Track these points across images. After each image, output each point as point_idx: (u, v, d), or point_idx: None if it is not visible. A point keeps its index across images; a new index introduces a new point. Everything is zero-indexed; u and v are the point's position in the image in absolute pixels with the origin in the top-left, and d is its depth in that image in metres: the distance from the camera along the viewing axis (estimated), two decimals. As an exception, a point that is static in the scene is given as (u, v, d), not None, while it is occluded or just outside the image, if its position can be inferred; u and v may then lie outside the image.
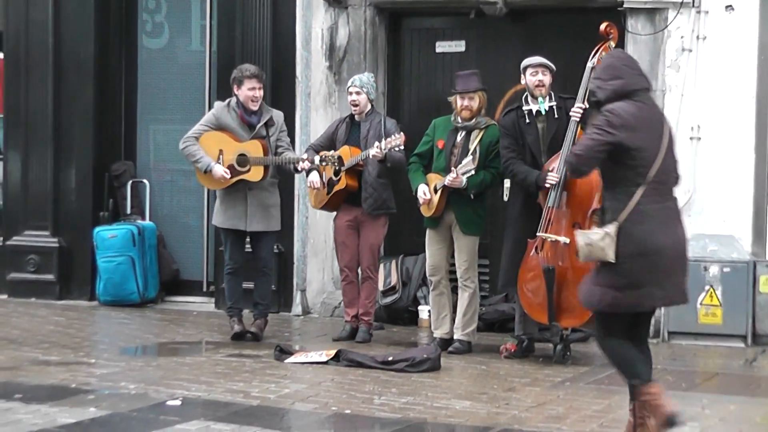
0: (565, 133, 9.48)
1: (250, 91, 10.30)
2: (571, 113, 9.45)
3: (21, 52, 13.07)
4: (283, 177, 10.90)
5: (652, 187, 6.49)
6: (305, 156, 10.38)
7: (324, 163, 10.19)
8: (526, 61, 9.78)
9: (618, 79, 6.64)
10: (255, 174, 10.26)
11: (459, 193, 9.86)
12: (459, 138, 9.99)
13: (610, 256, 6.45)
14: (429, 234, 10.18)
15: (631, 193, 6.47)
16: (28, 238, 13.11)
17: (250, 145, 10.27)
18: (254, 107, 10.34)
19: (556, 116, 9.66)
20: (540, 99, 9.65)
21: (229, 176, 10.23)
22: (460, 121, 10.00)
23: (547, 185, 9.41)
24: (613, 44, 9.62)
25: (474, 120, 9.97)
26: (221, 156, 10.29)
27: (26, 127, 13.07)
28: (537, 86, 9.66)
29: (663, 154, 6.55)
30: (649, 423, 6.53)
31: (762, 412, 7.95)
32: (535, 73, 9.69)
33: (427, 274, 10.31)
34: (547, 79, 9.69)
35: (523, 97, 9.81)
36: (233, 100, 10.43)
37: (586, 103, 9.35)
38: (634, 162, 6.48)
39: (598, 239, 6.47)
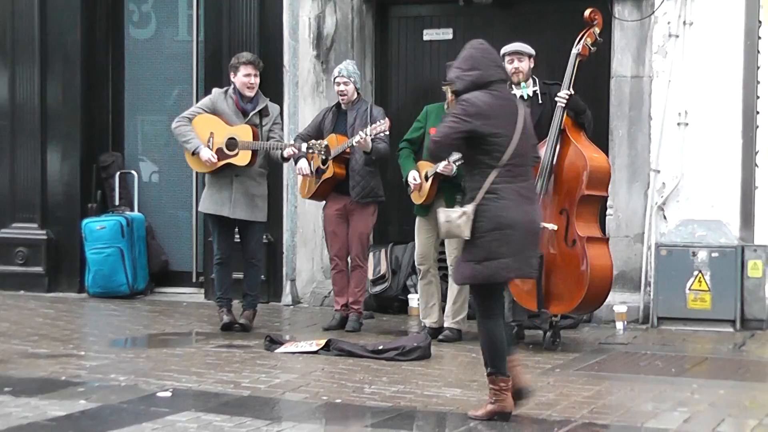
0: (549, 119, 9.50)
1: (245, 77, 10.31)
2: (556, 98, 9.48)
3: (7, 43, 13.04)
4: (271, 168, 10.88)
5: (506, 170, 7.00)
6: (289, 143, 10.37)
7: (311, 151, 10.19)
8: (503, 50, 9.74)
9: (475, 70, 7.10)
10: (242, 158, 10.24)
11: (450, 181, 9.86)
12: None
13: (466, 234, 6.98)
14: (419, 222, 10.19)
15: (486, 174, 6.99)
16: (17, 230, 13.11)
17: (239, 129, 10.27)
18: (250, 93, 10.35)
19: (540, 102, 9.68)
20: (522, 85, 9.67)
21: (215, 160, 10.22)
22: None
23: None
24: (597, 30, 9.63)
25: None
26: (211, 139, 10.30)
27: (13, 118, 13.05)
28: (514, 73, 9.66)
29: (517, 140, 7.03)
30: (506, 396, 7.05)
31: (751, 396, 7.95)
32: (511, 61, 9.70)
33: (416, 263, 10.32)
34: (524, 65, 9.70)
35: (507, 84, 9.77)
36: (231, 87, 10.45)
37: (572, 89, 9.40)
38: (489, 147, 6.99)
39: (455, 217, 7.00)
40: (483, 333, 7.17)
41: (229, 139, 10.23)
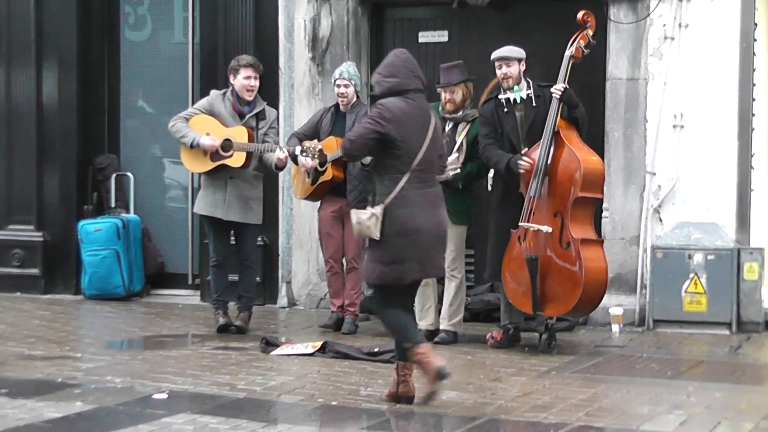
0: (543, 122, 9.51)
1: (245, 80, 10.31)
2: (552, 90, 9.49)
3: (3, 45, 13.04)
4: (267, 171, 10.82)
5: (414, 175, 7.38)
6: (286, 147, 10.30)
7: (305, 155, 10.13)
8: (492, 56, 9.80)
9: (394, 77, 7.48)
10: (237, 160, 10.23)
11: (446, 184, 9.69)
12: (447, 129, 9.99)
13: (376, 234, 7.35)
14: None
15: (396, 179, 7.37)
16: (13, 232, 13.11)
17: (235, 131, 10.26)
18: (249, 97, 10.35)
19: (534, 104, 9.67)
20: (516, 88, 9.67)
21: (218, 143, 10.21)
22: (446, 113, 10.03)
23: (521, 170, 9.43)
24: (590, 32, 9.63)
25: (461, 112, 10.01)
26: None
27: (9, 121, 13.04)
28: (503, 79, 9.70)
29: (426, 147, 7.42)
30: (409, 381, 7.45)
31: (747, 399, 7.95)
32: (500, 66, 9.73)
33: None
34: (512, 70, 9.69)
35: (501, 87, 9.82)
36: (229, 90, 10.45)
37: (566, 84, 9.44)
38: (399, 152, 7.37)
39: (366, 218, 7.38)
40: (386, 320, 7.68)
41: (224, 140, 10.22)
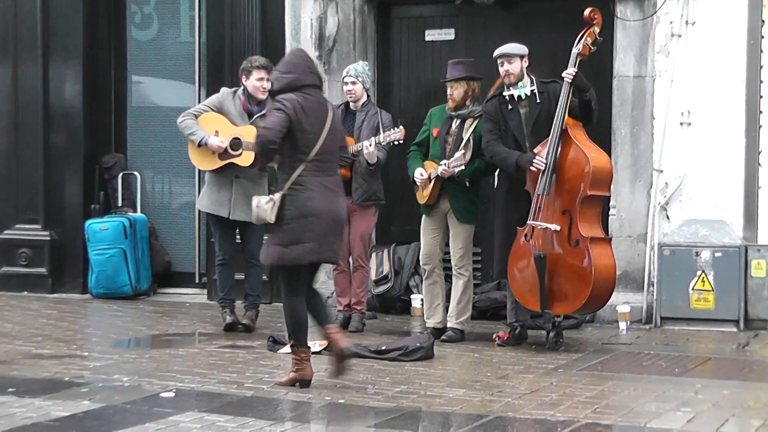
0: (549, 118, 9.48)
1: (258, 81, 10.31)
2: (564, 74, 9.44)
3: (9, 44, 13.04)
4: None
5: (313, 164, 7.85)
6: None
7: None
8: (494, 53, 9.76)
9: (291, 74, 7.94)
10: (246, 159, 10.22)
11: (454, 181, 9.88)
12: (453, 126, 10.01)
13: (271, 218, 7.82)
14: (424, 221, 10.18)
15: (295, 167, 7.83)
16: (20, 231, 13.11)
17: (244, 130, 10.25)
18: (262, 96, 10.33)
19: (538, 101, 9.65)
20: (519, 85, 9.64)
21: (225, 144, 10.22)
22: (449, 110, 10.02)
23: (533, 169, 9.40)
24: (597, 30, 9.59)
25: (468, 108, 9.98)
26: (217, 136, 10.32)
27: (16, 119, 13.05)
28: (505, 76, 9.67)
29: (324, 138, 7.89)
30: (306, 366, 7.95)
31: (755, 396, 7.93)
32: (501, 64, 9.68)
33: (421, 263, 10.30)
34: (514, 66, 9.64)
35: (504, 84, 9.79)
36: (240, 89, 10.45)
37: (578, 67, 9.40)
38: (299, 142, 7.83)
39: (264, 203, 7.86)
40: (287, 309, 8.03)
41: (233, 138, 10.22)
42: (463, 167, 9.75)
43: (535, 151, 9.50)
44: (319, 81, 8.14)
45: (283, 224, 7.83)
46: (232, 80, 10.82)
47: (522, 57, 9.67)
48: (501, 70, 9.67)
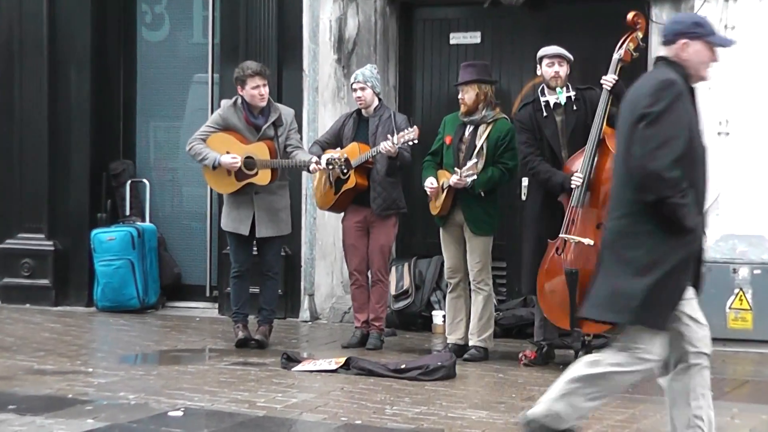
0: (585, 127, 9.31)
1: (254, 89, 10.15)
2: (602, 80, 9.25)
3: (14, 45, 12.98)
4: (292, 177, 10.80)
5: None
6: (312, 158, 10.16)
7: (331, 167, 10.06)
8: (542, 51, 9.60)
9: None
10: (263, 177, 10.15)
11: (468, 192, 9.72)
12: (467, 133, 9.88)
13: None
14: (442, 234, 10.07)
15: None
16: (23, 241, 13.05)
17: (256, 148, 10.15)
18: (262, 103, 10.20)
19: (574, 108, 9.48)
20: (558, 90, 9.48)
21: (239, 163, 10.10)
22: (462, 116, 9.91)
23: (573, 186, 9.21)
24: (640, 35, 9.40)
25: (480, 114, 9.81)
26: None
27: (20, 124, 12.98)
28: (553, 77, 9.50)
29: None
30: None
31: (796, 421, 7.81)
32: (552, 64, 9.51)
33: (446, 277, 10.18)
34: (563, 70, 9.52)
35: (539, 89, 9.67)
36: (239, 98, 10.32)
37: (618, 74, 9.20)
38: None
39: None
40: None
41: (246, 158, 10.13)
42: (475, 176, 9.58)
43: (568, 162, 9.33)
44: None
45: None
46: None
47: (569, 62, 9.54)
48: (549, 71, 9.48)
